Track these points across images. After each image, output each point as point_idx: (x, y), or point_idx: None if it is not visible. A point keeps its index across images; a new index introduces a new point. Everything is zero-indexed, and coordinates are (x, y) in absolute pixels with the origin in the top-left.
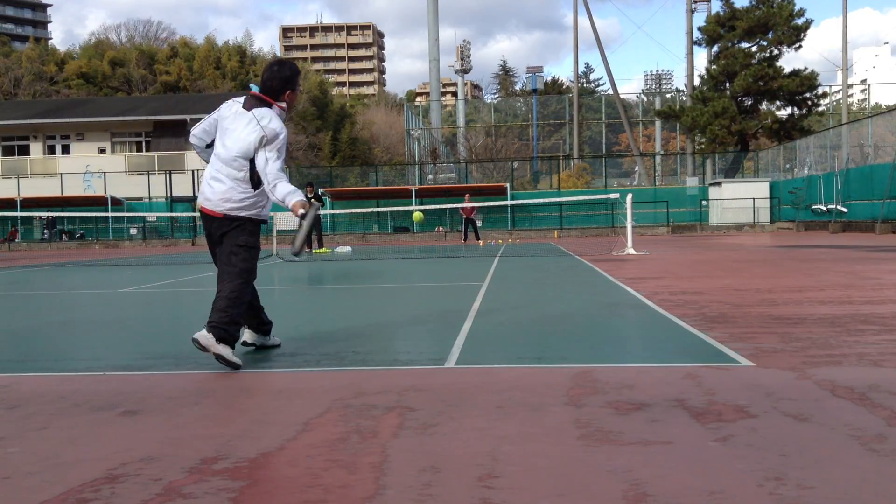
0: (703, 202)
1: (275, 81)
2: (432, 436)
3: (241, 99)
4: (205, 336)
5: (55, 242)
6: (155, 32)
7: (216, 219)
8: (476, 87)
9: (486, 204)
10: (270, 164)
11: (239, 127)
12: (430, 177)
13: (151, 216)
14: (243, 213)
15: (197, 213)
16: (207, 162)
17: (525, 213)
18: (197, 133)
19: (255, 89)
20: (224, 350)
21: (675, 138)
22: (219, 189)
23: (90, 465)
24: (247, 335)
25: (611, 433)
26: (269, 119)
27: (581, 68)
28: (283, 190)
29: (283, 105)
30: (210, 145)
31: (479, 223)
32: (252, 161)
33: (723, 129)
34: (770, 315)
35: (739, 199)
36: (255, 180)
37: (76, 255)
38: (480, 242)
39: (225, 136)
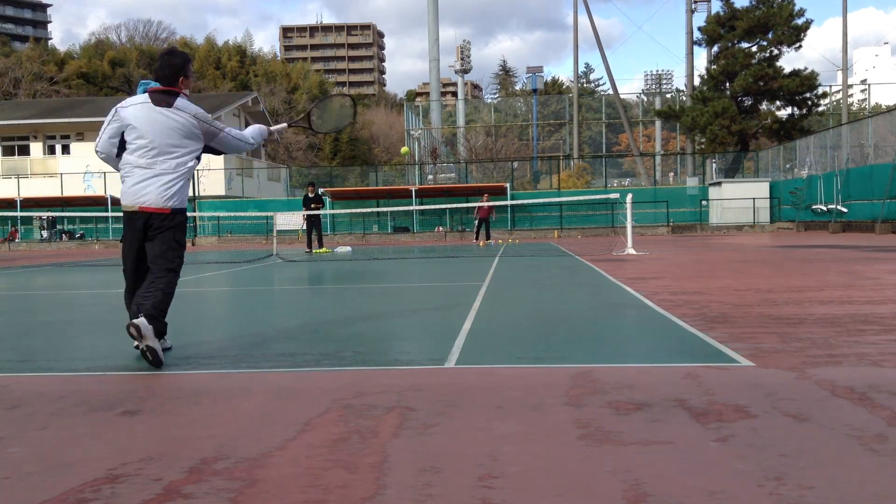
0: (703, 202)
1: (166, 70)
2: (432, 436)
3: (141, 98)
4: (146, 325)
5: (55, 242)
6: (155, 32)
7: (160, 217)
8: (476, 87)
9: (492, 204)
10: (225, 128)
11: (168, 122)
12: (430, 177)
13: None
14: (183, 205)
15: (141, 215)
16: (118, 169)
17: (525, 213)
18: (104, 148)
19: (153, 84)
20: (157, 345)
21: (675, 138)
22: (159, 184)
23: (90, 465)
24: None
25: (611, 433)
26: (191, 104)
27: (581, 68)
28: (248, 132)
29: (184, 91)
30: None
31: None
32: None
33: (723, 129)
34: (770, 315)
35: (739, 199)
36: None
37: (76, 255)
38: (482, 243)
39: (156, 133)
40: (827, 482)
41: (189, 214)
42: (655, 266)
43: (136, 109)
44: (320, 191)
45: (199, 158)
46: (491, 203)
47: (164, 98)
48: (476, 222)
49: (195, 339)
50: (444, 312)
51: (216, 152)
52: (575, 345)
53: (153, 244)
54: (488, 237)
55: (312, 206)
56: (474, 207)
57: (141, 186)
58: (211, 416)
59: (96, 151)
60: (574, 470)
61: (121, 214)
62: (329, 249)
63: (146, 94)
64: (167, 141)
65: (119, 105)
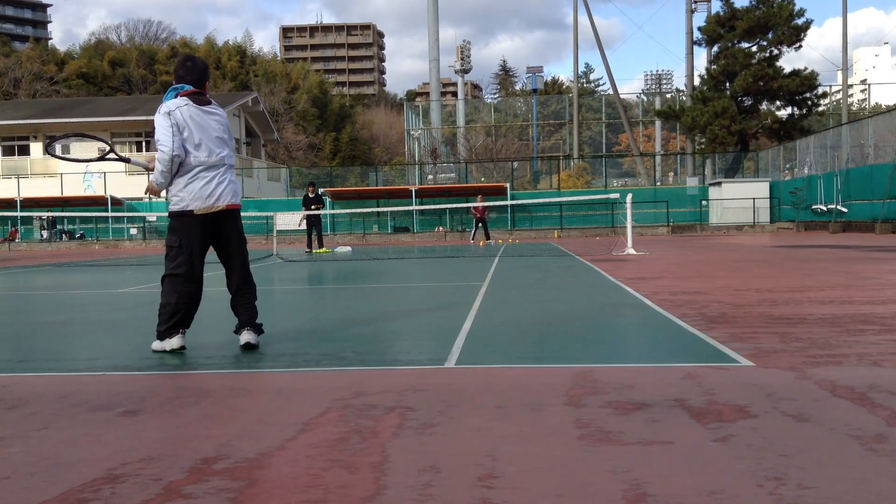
0: (703, 202)
1: (195, 74)
2: (432, 436)
3: (182, 101)
4: (256, 338)
5: (55, 242)
6: (155, 32)
7: (232, 212)
8: (476, 87)
9: (486, 204)
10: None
11: (214, 122)
12: (430, 177)
13: (151, 216)
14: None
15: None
16: (168, 176)
17: (525, 213)
18: (180, 149)
19: (186, 88)
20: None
21: (675, 138)
22: (231, 181)
23: (90, 465)
24: (180, 341)
25: (611, 433)
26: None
27: (581, 68)
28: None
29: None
30: None
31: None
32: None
33: (723, 129)
34: (770, 315)
35: (739, 199)
36: None
37: (76, 255)
38: (481, 242)
39: (208, 133)
40: (827, 482)
41: None
42: (655, 266)
43: (183, 112)
44: (320, 191)
45: None
46: (485, 203)
47: (203, 98)
48: (474, 223)
49: (195, 340)
50: (444, 312)
51: None
52: (575, 345)
53: (234, 255)
54: (488, 237)
55: (312, 206)
56: (473, 208)
57: (217, 186)
58: (211, 416)
59: (173, 156)
60: (574, 470)
61: (122, 215)
62: (329, 249)
63: (183, 98)
64: (223, 137)
65: (166, 109)
